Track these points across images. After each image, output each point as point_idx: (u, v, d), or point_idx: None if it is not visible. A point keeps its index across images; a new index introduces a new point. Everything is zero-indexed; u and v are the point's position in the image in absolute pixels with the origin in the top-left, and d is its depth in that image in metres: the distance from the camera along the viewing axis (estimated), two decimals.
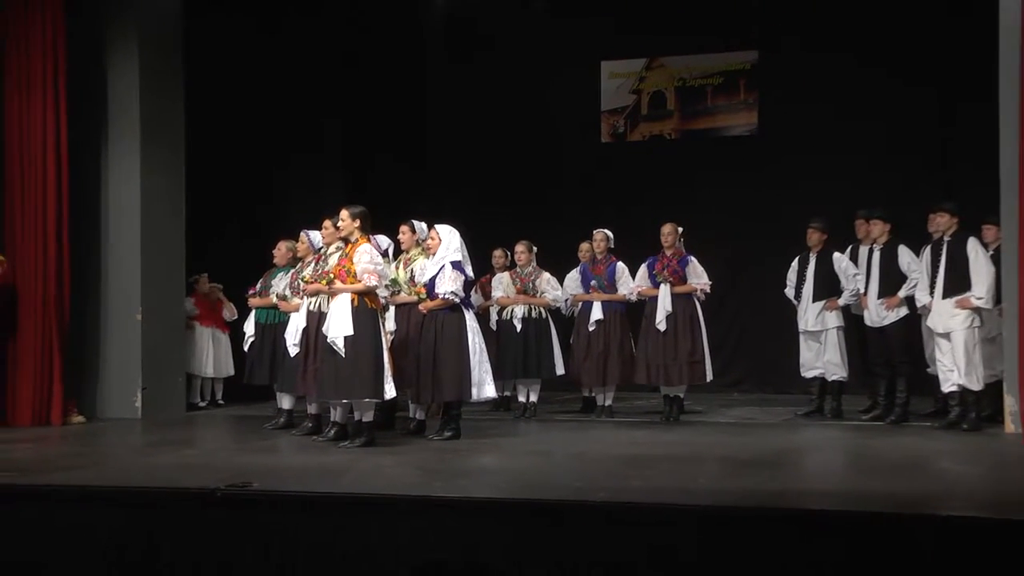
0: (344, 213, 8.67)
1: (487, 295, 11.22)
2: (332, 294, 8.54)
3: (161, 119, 11.22)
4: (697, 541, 5.51)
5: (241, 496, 6.25)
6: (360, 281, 8.38)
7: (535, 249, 10.98)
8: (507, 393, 11.25)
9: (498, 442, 9.24)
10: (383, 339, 8.51)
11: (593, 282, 10.64)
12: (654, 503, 6.16)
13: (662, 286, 10.20)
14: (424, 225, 9.50)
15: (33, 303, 10.34)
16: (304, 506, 6.22)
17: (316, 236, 9.71)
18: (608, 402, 10.69)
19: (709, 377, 10.41)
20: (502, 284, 10.99)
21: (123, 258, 10.98)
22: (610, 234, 10.74)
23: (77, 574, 5.27)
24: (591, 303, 10.57)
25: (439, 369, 8.88)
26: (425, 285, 9.00)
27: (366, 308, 8.42)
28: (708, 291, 10.37)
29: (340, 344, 8.33)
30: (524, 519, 5.86)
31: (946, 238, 9.39)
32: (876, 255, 10.02)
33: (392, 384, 8.48)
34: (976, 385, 9.24)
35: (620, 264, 10.62)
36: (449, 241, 8.93)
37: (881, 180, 12.10)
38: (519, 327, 10.75)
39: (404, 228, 9.62)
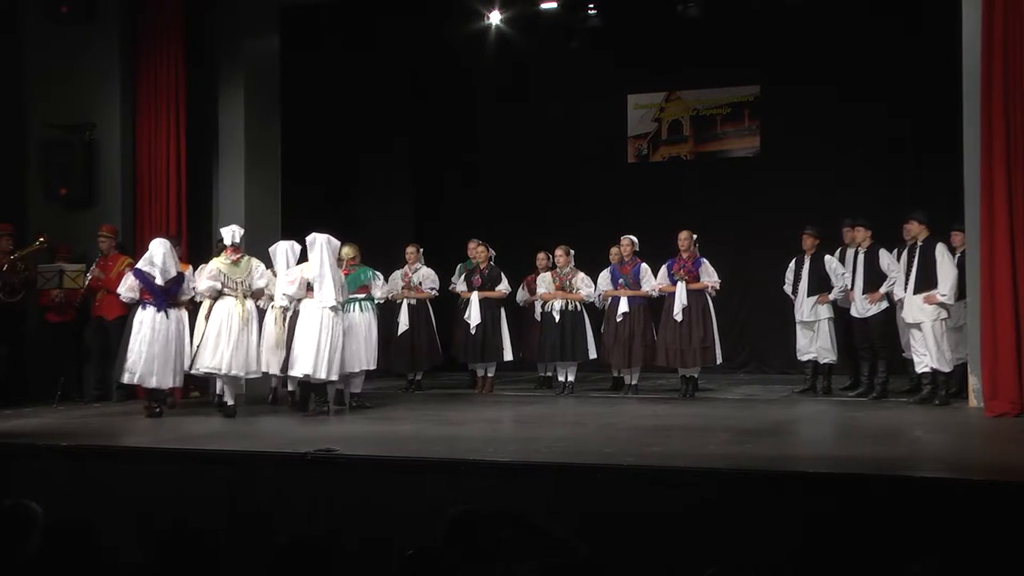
0: None
1: (532, 291, 11.23)
2: None
3: (261, 142, 11.31)
4: (709, 498, 5.52)
5: (326, 459, 6.34)
6: None
7: (572, 252, 10.93)
8: (548, 373, 11.25)
9: (541, 414, 9.25)
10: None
11: (621, 280, 10.61)
12: (672, 466, 6.18)
13: (679, 284, 10.16)
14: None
15: None
16: (375, 467, 6.28)
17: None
18: (634, 381, 10.65)
19: (719, 360, 10.40)
20: (544, 282, 10.96)
21: None
22: (635, 240, 10.70)
23: (197, 519, 5.34)
24: (619, 298, 10.52)
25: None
26: None
27: None
28: (718, 288, 10.33)
29: None
30: (562, 479, 5.89)
31: (918, 243, 9.30)
32: (860, 257, 9.94)
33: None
34: (946, 367, 9.14)
35: (644, 265, 10.56)
36: (150, 252, 8.93)
37: (863, 193, 11.97)
38: (558, 318, 10.72)
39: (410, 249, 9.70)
